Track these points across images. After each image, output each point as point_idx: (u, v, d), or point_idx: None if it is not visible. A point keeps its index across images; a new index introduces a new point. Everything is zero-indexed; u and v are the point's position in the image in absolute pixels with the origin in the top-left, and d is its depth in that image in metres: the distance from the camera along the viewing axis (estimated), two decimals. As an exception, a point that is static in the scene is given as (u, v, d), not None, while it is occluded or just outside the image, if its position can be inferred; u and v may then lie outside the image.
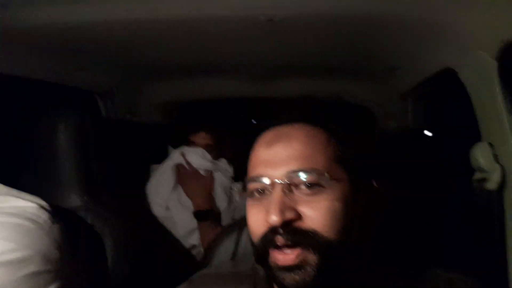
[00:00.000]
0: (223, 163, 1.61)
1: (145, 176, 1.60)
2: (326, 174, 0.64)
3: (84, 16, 0.86)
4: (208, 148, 1.59)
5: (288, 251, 0.63)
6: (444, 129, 1.27)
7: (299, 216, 0.63)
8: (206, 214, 1.49)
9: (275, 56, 1.24)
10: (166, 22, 0.92)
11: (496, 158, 0.83)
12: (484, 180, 0.84)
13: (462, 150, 0.92)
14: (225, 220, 1.53)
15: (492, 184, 0.82)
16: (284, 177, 0.64)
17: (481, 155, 0.84)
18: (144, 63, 1.33)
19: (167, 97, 1.71)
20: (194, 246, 1.52)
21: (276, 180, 0.65)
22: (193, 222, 1.50)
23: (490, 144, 0.84)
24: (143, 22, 0.91)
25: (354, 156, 0.69)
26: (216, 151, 1.61)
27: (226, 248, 0.98)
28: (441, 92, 1.21)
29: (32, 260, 0.74)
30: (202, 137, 1.60)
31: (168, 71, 1.45)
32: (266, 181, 0.66)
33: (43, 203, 0.86)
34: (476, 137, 0.90)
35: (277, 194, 0.64)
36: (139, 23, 0.92)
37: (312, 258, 0.62)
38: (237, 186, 1.55)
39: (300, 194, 0.64)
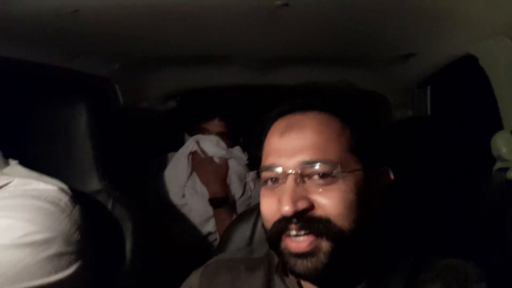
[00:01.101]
0: (237, 150, 1.60)
1: (162, 163, 1.62)
2: (339, 166, 0.63)
3: (94, 1, 0.87)
4: (222, 135, 1.59)
5: (301, 238, 0.63)
6: (464, 118, 1.24)
7: (311, 205, 0.63)
8: (221, 202, 1.50)
9: (287, 44, 1.22)
10: (176, 10, 0.92)
11: (517, 146, 0.81)
12: (505, 169, 0.83)
13: (482, 139, 0.90)
14: (240, 207, 1.54)
15: (513, 173, 0.80)
16: (297, 168, 0.64)
17: (502, 144, 0.83)
18: (155, 51, 1.33)
19: (180, 85, 1.72)
20: (210, 233, 1.53)
21: (289, 171, 0.64)
22: (209, 210, 1.50)
23: (512, 132, 0.83)
24: (154, 10, 0.91)
25: (369, 145, 0.68)
26: (230, 139, 1.61)
27: (242, 234, 0.99)
28: (460, 79, 1.19)
29: (54, 241, 0.76)
30: (216, 124, 1.59)
31: (179, 59, 1.45)
32: (279, 170, 0.65)
33: (64, 186, 0.88)
34: (497, 125, 0.88)
35: (289, 184, 0.64)
36: (149, 11, 0.92)
37: (325, 245, 0.62)
38: (251, 175, 1.56)
39: (313, 184, 0.64)
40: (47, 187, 0.84)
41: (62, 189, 0.86)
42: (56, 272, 0.76)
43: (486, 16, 0.83)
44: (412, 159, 0.96)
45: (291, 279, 0.71)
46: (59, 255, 0.77)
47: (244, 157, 1.59)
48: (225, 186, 1.54)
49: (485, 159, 0.88)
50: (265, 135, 0.72)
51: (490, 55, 0.88)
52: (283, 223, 0.64)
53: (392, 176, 0.71)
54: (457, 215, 1.03)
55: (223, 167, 1.56)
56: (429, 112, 1.46)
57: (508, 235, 0.83)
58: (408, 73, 1.35)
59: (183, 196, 1.55)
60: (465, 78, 1.13)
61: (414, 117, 1.49)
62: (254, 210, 1.00)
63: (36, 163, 0.96)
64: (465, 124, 1.23)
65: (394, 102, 1.57)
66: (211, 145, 1.55)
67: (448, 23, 0.92)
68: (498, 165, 0.86)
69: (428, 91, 1.45)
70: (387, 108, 1.56)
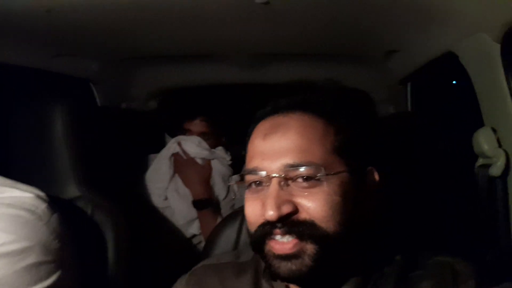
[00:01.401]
0: (220, 151, 1.59)
1: (143, 166, 1.59)
2: (323, 169, 0.63)
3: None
4: (204, 135, 1.57)
5: (285, 240, 0.62)
6: (446, 115, 1.26)
7: (296, 209, 0.62)
8: (205, 203, 1.48)
9: (271, 41, 1.22)
10: (157, 6, 0.90)
11: (499, 143, 0.82)
12: (487, 166, 0.83)
13: (464, 135, 0.91)
14: (225, 208, 1.52)
15: (495, 170, 0.81)
16: (281, 171, 0.63)
17: (484, 141, 0.83)
18: (136, 49, 1.30)
19: (161, 84, 1.69)
20: (194, 236, 1.51)
21: (273, 174, 0.64)
22: (193, 212, 1.49)
23: (493, 129, 0.84)
24: (134, 6, 0.89)
25: (353, 145, 0.68)
26: (213, 139, 1.59)
27: (227, 237, 0.97)
28: (442, 76, 1.20)
29: (32, 250, 0.74)
30: (197, 124, 1.58)
31: (161, 58, 1.42)
32: (263, 174, 0.65)
33: (40, 193, 0.85)
34: (478, 122, 0.89)
35: (273, 188, 0.63)
36: (128, 9, 0.90)
37: (310, 248, 0.62)
38: (234, 178, 1.54)
39: (297, 187, 0.63)
40: (22, 195, 0.81)
41: (38, 196, 0.83)
42: (35, 282, 0.73)
43: (468, 14, 0.84)
44: (396, 157, 0.96)
45: (279, 283, 0.70)
46: (37, 264, 0.74)
47: (227, 157, 1.58)
48: (209, 187, 1.53)
49: (468, 156, 0.89)
50: (249, 137, 0.71)
51: (470, 52, 0.89)
52: (267, 227, 0.63)
53: (377, 176, 0.71)
54: (443, 212, 1.04)
55: (206, 168, 1.55)
56: (409, 109, 1.48)
57: (492, 231, 0.84)
58: (391, 70, 1.36)
59: (166, 198, 1.53)
60: (446, 75, 1.14)
61: (396, 114, 1.50)
62: (239, 213, 0.99)
63: (11, 169, 0.92)
64: (447, 121, 1.25)
65: (376, 98, 1.58)
66: (193, 145, 1.54)
67: (431, 20, 0.93)
68: (480, 161, 0.86)
69: (409, 88, 1.46)
70: (371, 107, 1.57)
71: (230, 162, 1.58)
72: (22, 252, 0.73)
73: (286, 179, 0.63)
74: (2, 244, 0.71)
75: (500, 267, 0.81)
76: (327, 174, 0.63)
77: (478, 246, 0.87)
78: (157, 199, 1.52)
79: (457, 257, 0.69)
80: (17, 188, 0.83)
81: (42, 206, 0.81)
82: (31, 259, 0.73)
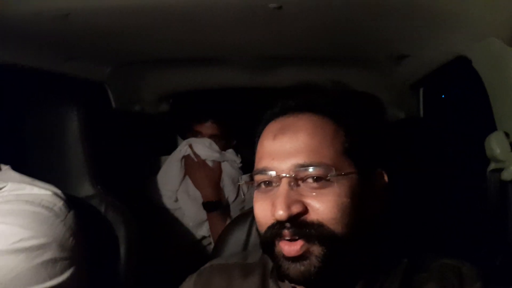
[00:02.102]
0: (230, 153, 1.60)
1: (155, 167, 1.60)
2: (333, 170, 0.63)
3: (85, 3, 0.86)
4: (215, 138, 1.58)
5: (293, 242, 0.63)
6: (458, 119, 1.25)
7: (305, 209, 0.63)
8: (214, 205, 1.49)
9: (282, 45, 1.22)
10: (169, 10, 0.91)
11: (512, 147, 0.82)
12: (499, 170, 0.83)
13: (476, 140, 0.91)
14: (234, 211, 1.53)
15: (508, 174, 0.80)
16: (291, 171, 0.64)
17: (496, 145, 0.83)
18: (147, 53, 1.32)
19: (172, 87, 1.71)
20: (204, 237, 1.52)
21: (283, 174, 0.64)
22: (202, 214, 1.50)
23: (506, 133, 0.83)
24: (146, 10, 0.91)
25: (363, 147, 0.68)
26: (223, 142, 1.61)
27: (237, 238, 0.98)
28: (454, 81, 1.20)
29: (49, 247, 0.75)
30: (208, 127, 1.59)
31: (172, 61, 1.44)
32: (272, 174, 0.65)
33: (58, 191, 0.87)
34: (490, 126, 0.89)
35: (283, 188, 0.63)
36: (142, 11, 0.91)
37: (317, 249, 0.62)
38: (244, 178, 1.54)
39: (307, 187, 0.64)
40: (41, 192, 0.83)
41: (56, 194, 0.85)
42: (50, 278, 0.75)
43: (479, 18, 0.83)
44: (406, 161, 0.96)
45: (286, 284, 0.71)
46: (53, 261, 0.75)
47: (237, 160, 1.59)
48: (219, 189, 1.54)
49: (480, 160, 0.88)
50: (258, 138, 0.72)
51: (483, 56, 0.88)
52: (276, 228, 0.64)
53: (386, 178, 0.71)
54: (453, 216, 1.04)
55: (216, 170, 1.56)
56: (421, 114, 1.47)
57: (503, 236, 0.84)
58: (401, 74, 1.35)
59: (176, 200, 1.54)
60: (458, 80, 1.14)
61: (407, 119, 1.50)
62: (249, 214, 1.00)
63: (29, 168, 0.94)
64: (459, 126, 1.24)
65: (386, 103, 1.58)
66: (203, 148, 1.55)
67: (441, 25, 0.92)
68: (492, 166, 0.86)
69: (421, 93, 1.46)
70: (381, 110, 1.57)
71: (240, 165, 1.59)
72: (39, 248, 0.74)
73: (296, 180, 0.64)
74: (20, 239, 0.73)
75: (509, 271, 0.81)
76: (337, 175, 0.63)
77: (488, 250, 0.86)
78: (167, 201, 1.54)
79: (465, 261, 0.69)
80: (36, 186, 0.84)
81: (59, 204, 0.83)
82: (47, 255, 0.75)
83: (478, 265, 0.68)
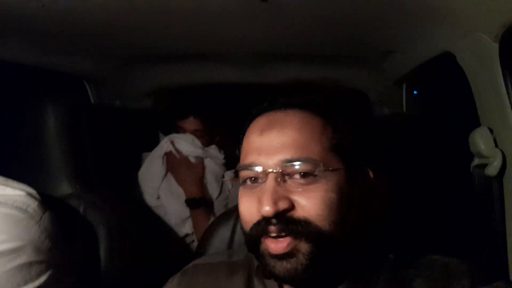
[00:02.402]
0: (213, 149, 1.59)
1: (137, 164, 1.58)
2: (321, 165, 0.62)
3: None
4: (197, 134, 1.57)
5: (280, 239, 0.62)
6: (441, 115, 1.26)
7: (292, 206, 0.62)
8: (198, 202, 1.48)
9: (267, 41, 1.21)
10: (154, 4, 0.89)
11: (496, 143, 0.82)
12: (483, 166, 0.83)
13: (460, 135, 0.91)
14: (218, 208, 1.52)
15: (492, 170, 0.81)
16: (278, 166, 0.63)
17: (481, 140, 0.83)
18: (132, 48, 1.29)
19: (156, 83, 1.68)
20: (187, 235, 1.51)
21: (269, 169, 0.63)
22: (185, 211, 1.48)
23: (490, 129, 0.83)
24: (129, 6, 0.88)
25: (350, 144, 0.68)
26: (206, 137, 1.59)
27: (221, 236, 0.97)
28: (437, 76, 1.20)
29: (23, 250, 0.72)
30: (191, 122, 1.58)
31: (156, 57, 1.42)
32: (259, 169, 0.64)
33: (32, 190, 0.84)
34: (474, 122, 0.89)
35: (270, 183, 0.62)
36: (124, 7, 0.89)
37: (304, 247, 0.61)
38: (228, 174, 1.54)
39: (294, 183, 0.63)
40: (14, 193, 0.80)
41: (30, 194, 0.82)
42: (25, 282, 0.72)
43: (465, 14, 0.83)
44: (392, 158, 0.96)
45: (271, 282, 0.70)
46: (28, 264, 0.73)
47: (220, 156, 1.58)
48: (202, 186, 1.52)
49: (465, 156, 0.88)
50: (244, 133, 0.71)
51: (468, 52, 0.89)
52: (262, 225, 0.63)
53: (372, 175, 0.71)
54: (439, 212, 1.04)
55: (199, 166, 1.54)
56: (404, 110, 1.48)
57: (488, 231, 0.84)
58: (387, 71, 1.36)
59: (158, 197, 1.52)
60: (442, 76, 1.14)
61: (392, 115, 1.50)
62: (233, 212, 0.98)
63: (4, 166, 0.91)
64: (444, 122, 1.25)
65: (371, 99, 1.58)
66: (186, 144, 1.53)
67: (427, 21, 0.92)
68: (477, 161, 0.86)
69: (404, 89, 1.46)
70: (368, 108, 1.57)
71: (223, 161, 1.57)
72: (13, 251, 0.71)
73: (283, 175, 0.63)
74: None
75: (495, 266, 0.81)
76: (324, 170, 0.62)
77: (474, 246, 0.87)
78: (149, 198, 1.52)
79: (452, 257, 0.69)
80: (8, 186, 0.81)
81: (34, 205, 0.80)
82: (22, 259, 0.72)
83: (466, 261, 0.68)
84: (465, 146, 0.89)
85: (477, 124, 0.88)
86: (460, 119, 1.02)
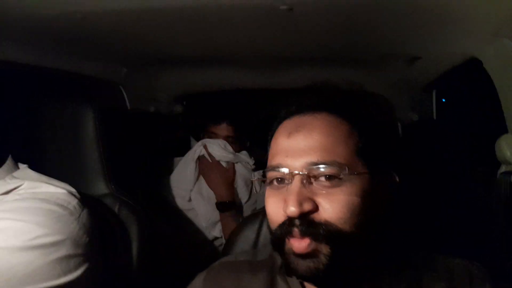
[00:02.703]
0: (244, 155, 1.61)
1: (168, 168, 1.63)
2: (346, 169, 0.64)
3: (97, 4, 0.88)
4: (229, 139, 1.60)
5: (302, 239, 0.63)
6: (469, 121, 1.24)
7: (316, 207, 0.63)
8: (228, 206, 1.50)
9: (293, 46, 1.22)
10: (182, 12, 0.93)
11: (522, 150, 0.81)
12: (510, 173, 0.82)
13: (487, 142, 0.90)
14: (246, 211, 1.54)
15: (518, 177, 0.80)
16: (304, 169, 0.64)
17: (506, 147, 0.82)
18: (161, 54, 1.34)
19: (185, 87, 1.73)
20: (216, 238, 1.53)
21: (296, 171, 0.65)
22: (216, 214, 1.51)
23: (516, 136, 0.83)
24: (160, 12, 0.92)
25: (376, 149, 0.68)
26: (237, 143, 1.62)
27: (247, 237, 0.99)
28: (466, 82, 1.19)
29: (63, 244, 0.77)
30: (223, 128, 1.60)
31: (186, 62, 1.46)
32: (285, 171, 0.66)
33: (72, 189, 0.89)
34: (502, 129, 0.88)
35: (295, 185, 0.64)
36: (155, 13, 0.93)
37: (325, 248, 0.63)
38: (256, 175, 1.55)
39: (319, 186, 0.64)
40: (56, 190, 0.86)
41: (71, 193, 0.87)
42: (65, 274, 0.77)
43: (489, 20, 0.83)
44: (417, 163, 0.96)
45: (294, 280, 0.72)
46: (68, 257, 0.78)
47: (250, 161, 1.60)
48: (232, 190, 1.55)
49: (490, 162, 0.88)
50: (272, 135, 0.73)
51: (494, 58, 0.88)
52: (287, 226, 0.64)
53: (397, 180, 0.71)
54: (463, 218, 1.03)
55: (230, 171, 1.57)
56: (434, 116, 1.46)
57: (513, 238, 0.83)
58: (414, 77, 1.34)
59: (190, 200, 1.56)
60: (470, 82, 1.13)
61: (419, 121, 1.49)
62: (259, 214, 1.01)
63: (45, 167, 0.97)
64: (470, 128, 1.23)
65: (399, 105, 1.57)
66: (218, 149, 1.56)
67: (453, 26, 0.92)
68: (503, 168, 0.85)
69: (434, 95, 1.45)
70: (394, 113, 1.56)
71: (253, 167, 1.60)
72: (54, 245, 0.76)
73: (309, 177, 0.64)
74: (36, 237, 0.75)
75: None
76: (350, 174, 0.64)
77: (499, 253, 0.85)
78: (181, 201, 1.55)
79: (473, 261, 0.69)
80: (52, 184, 0.87)
81: (74, 202, 0.85)
82: (62, 252, 0.77)
83: (488, 266, 0.68)
84: (492, 153, 0.88)
85: (503, 131, 0.87)
86: (487, 125, 1.01)
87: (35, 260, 0.74)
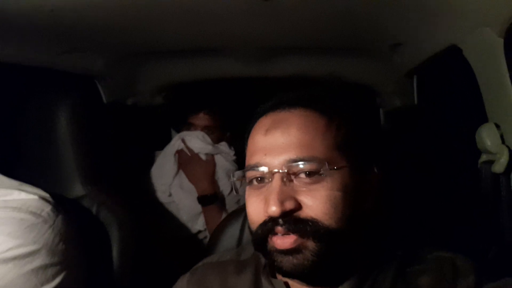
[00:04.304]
0: (224, 146, 1.60)
1: (149, 162, 1.60)
2: (326, 164, 0.63)
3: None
4: (208, 130, 1.58)
5: (286, 235, 0.63)
6: (450, 109, 1.24)
7: (298, 206, 0.63)
8: (210, 199, 1.49)
9: (273, 35, 1.20)
10: (160, 4, 0.90)
11: (503, 139, 0.81)
12: (490, 162, 0.83)
13: (468, 131, 0.90)
14: (230, 204, 1.53)
15: (499, 166, 0.80)
16: (283, 166, 0.63)
17: (487, 136, 0.82)
18: (141, 44, 1.30)
19: (167, 78, 1.69)
20: (200, 231, 1.53)
21: (275, 170, 0.64)
22: (197, 207, 1.50)
23: (497, 125, 0.83)
24: (135, 3, 0.89)
25: (355, 142, 0.68)
26: (216, 134, 1.60)
27: (231, 234, 0.98)
28: (446, 70, 1.18)
29: (38, 254, 0.75)
30: (201, 118, 1.58)
31: (166, 52, 1.42)
32: (265, 170, 0.65)
33: (45, 194, 0.86)
34: (482, 117, 0.88)
35: (276, 184, 0.63)
36: (130, 4, 0.90)
37: (311, 244, 0.62)
38: (237, 174, 1.53)
39: (299, 183, 0.63)
40: (28, 197, 0.83)
41: (44, 198, 0.85)
42: (42, 284, 0.75)
43: (471, 8, 0.82)
44: (400, 152, 0.95)
45: (278, 281, 0.71)
46: (44, 267, 0.76)
47: (231, 152, 1.59)
48: (213, 183, 1.54)
49: (472, 151, 0.88)
50: (249, 133, 0.71)
51: (474, 46, 0.87)
52: (269, 225, 0.64)
53: (378, 173, 0.71)
54: (446, 208, 1.04)
55: (210, 163, 1.55)
56: (416, 102, 1.46)
57: (495, 228, 0.84)
58: (396, 63, 1.34)
59: (170, 194, 1.54)
60: (452, 69, 1.12)
61: (402, 108, 1.49)
62: (242, 210, 1.00)
63: (16, 169, 0.94)
64: (452, 115, 1.23)
65: (382, 91, 1.57)
66: (196, 141, 1.54)
67: (435, 13, 0.91)
68: (484, 158, 0.85)
69: (415, 81, 1.44)
70: (374, 103, 1.55)
71: (234, 158, 1.58)
72: (28, 255, 0.74)
73: (289, 175, 0.63)
74: (9, 248, 0.73)
75: (502, 263, 0.81)
76: (330, 169, 0.63)
77: (481, 243, 0.86)
78: (161, 195, 1.54)
79: (458, 253, 0.69)
80: (23, 190, 0.84)
81: (47, 209, 0.82)
82: (37, 262, 0.75)
83: (472, 258, 0.68)
84: (473, 142, 0.88)
85: (484, 120, 0.87)
86: (468, 114, 1.00)
87: (8, 273, 0.71)
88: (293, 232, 0.62)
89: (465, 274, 0.66)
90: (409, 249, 0.72)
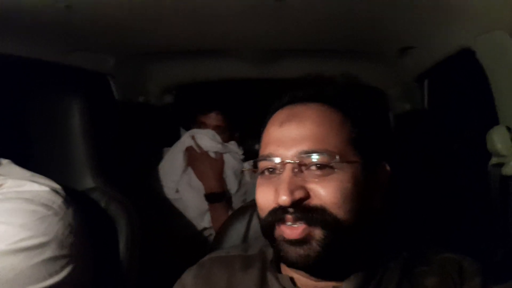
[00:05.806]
0: (233, 145, 1.60)
1: (158, 159, 1.61)
2: (337, 157, 0.63)
3: None
4: (218, 129, 1.58)
5: (295, 225, 0.63)
6: (461, 112, 1.24)
7: (308, 195, 0.63)
8: (217, 197, 1.50)
9: (286, 37, 1.21)
10: (172, 5, 0.91)
11: (513, 142, 0.80)
12: (500, 165, 0.82)
13: (479, 133, 0.90)
14: (236, 202, 1.54)
15: (508, 169, 0.80)
16: (295, 157, 0.64)
17: (498, 139, 0.82)
18: (151, 44, 1.32)
19: (176, 78, 1.71)
20: (205, 229, 1.53)
21: (287, 160, 0.64)
22: (204, 205, 1.50)
23: (508, 128, 0.82)
24: (150, 1, 0.90)
25: (368, 138, 0.68)
26: (226, 133, 1.61)
27: (237, 231, 0.98)
28: (458, 73, 1.18)
29: (48, 245, 0.76)
30: (213, 118, 1.59)
31: (176, 52, 1.44)
32: (277, 160, 0.65)
33: (57, 186, 0.87)
34: (493, 120, 0.88)
35: (287, 174, 0.64)
36: (145, 2, 0.91)
37: (318, 233, 0.62)
38: (246, 165, 1.55)
39: (310, 174, 0.64)
40: (40, 189, 0.84)
41: (55, 190, 0.85)
42: (50, 276, 0.76)
43: (485, 10, 0.82)
44: (410, 153, 0.95)
45: (284, 276, 0.71)
46: (53, 259, 0.76)
47: (239, 152, 1.59)
48: (221, 181, 1.54)
49: (482, 154, 0.87)
50: (265, 126, 0.72)
51: (487, 49, 0.87)
52: (279, 213, 0.64)
53: (389, 171, 0.71)
54: (455, 210, 1.03)
55: (219, 162, 1.56)
56: (426, 106, 1.45)
57: (503, 230, 0.83)
58: (406, 66, 1.34)
59: (177, 191, 1.54)
60: (463, 72, 1.12)
61: (411, 111, 1.48)
62: (249, 207, 1.00)
63: (30, 161, 0.95)
64: (462, 119, 1.22)
65: (392, 95, 1.56)
66: (206, 139, 1.55)
67: (447, 16, 0.91)
68: (494, 160, 0.85)
69: (426, 85, 1.44)
70: (386, 104, 1.55)
71: (242, 157, 1.59)
72: (39, 247, 0.75)
73: (300, 166, 0.64)
74: (20, 239, 0.73)
75: (509, 266, 0.80)
76: (341, 162, 0.63)
77: (488, 245, 0.86)
78: (169, 191, 1.55)
79: (465, 255, 0.69)
80: (36, 182, 0.85)
81: (59, 201, 0.83)
82: (47, 253, 0.76)
83: (479, 260, 0.68)
84: (483, 144, 0.87)
85: (492, 123, 0.87)
86: (479, 117, 1.00)
87: (19, 264, 0.72)
88: (302, 220, 0.63)
89: (472, 276, 0.66)
90: (416, 250, 0.72)
